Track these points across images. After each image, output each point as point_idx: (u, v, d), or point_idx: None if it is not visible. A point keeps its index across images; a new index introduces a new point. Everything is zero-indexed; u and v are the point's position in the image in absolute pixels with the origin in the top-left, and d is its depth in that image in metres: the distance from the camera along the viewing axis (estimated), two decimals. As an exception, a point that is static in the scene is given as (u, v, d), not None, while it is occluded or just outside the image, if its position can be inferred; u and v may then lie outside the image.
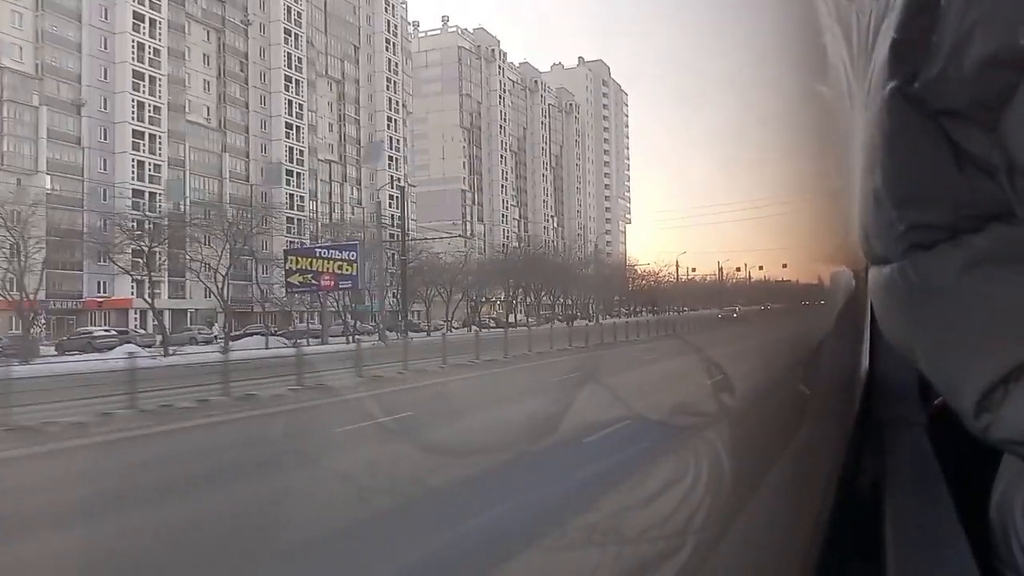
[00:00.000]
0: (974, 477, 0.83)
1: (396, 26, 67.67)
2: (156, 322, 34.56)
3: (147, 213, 35.21)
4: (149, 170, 45.73)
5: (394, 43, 66.85)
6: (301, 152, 55.88)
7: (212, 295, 37.41)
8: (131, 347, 25.71)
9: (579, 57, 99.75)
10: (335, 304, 40.23)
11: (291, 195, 54.23)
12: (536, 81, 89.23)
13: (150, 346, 27.36)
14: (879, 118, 0.59)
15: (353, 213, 56.94)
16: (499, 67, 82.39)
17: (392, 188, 56.95)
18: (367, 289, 40.84)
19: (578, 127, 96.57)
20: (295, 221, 52.98)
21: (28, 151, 41.71)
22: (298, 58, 56.69)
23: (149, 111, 46.52)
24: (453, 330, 42.00)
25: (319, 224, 52.85)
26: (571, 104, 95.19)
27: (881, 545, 0.99)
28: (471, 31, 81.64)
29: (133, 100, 45.64)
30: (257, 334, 35.04)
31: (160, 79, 47.36)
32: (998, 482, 0.78)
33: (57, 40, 43.54)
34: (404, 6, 69.19)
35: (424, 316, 47.93)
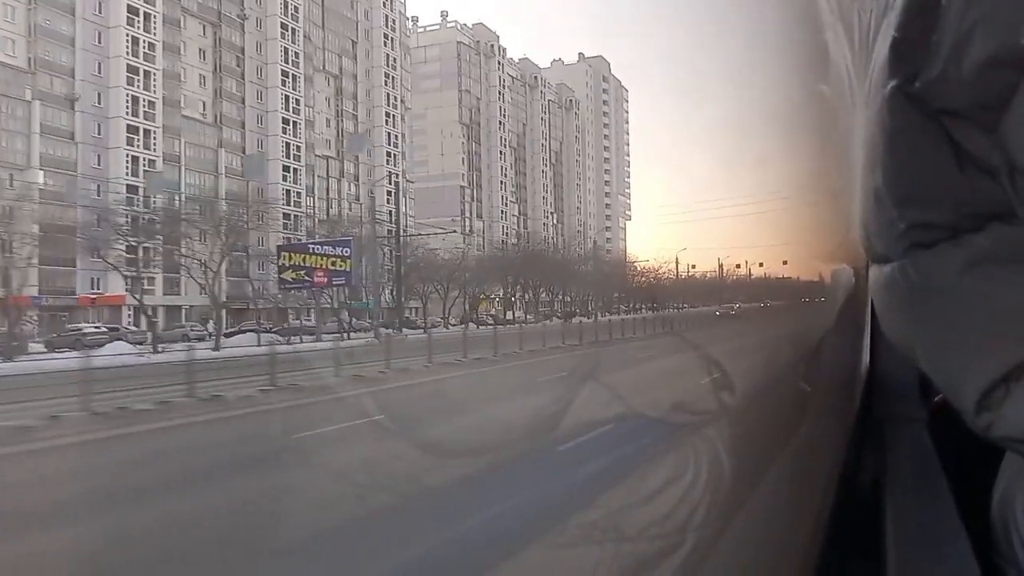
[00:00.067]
0: (974, 474, 0.84)
1: (394, 21, 67.55)
2: (150, 319, 34.44)
3: (134, 208, 34.92)
4: (144, 166, 45.64)
5: (392, 38, 66.73)
6: (298, 148, 55.80)
7: (206, 292, 37.36)
8: (121, 344, 25.68)
9: (579, 53, 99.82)
10: (331, 301, 40.22)
11: (288, 191, 54.18)
12: (536, 77, 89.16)
13: (141, 343, 27.26)
14: (880, 117, 0.59)
15: (351, 209, 56.86)
16: (498, 63, 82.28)
17: (389, 184, 56.94)
18: (362, 286, 40.77)
19: (578, 123, 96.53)
20: (291, 217, 52.95)
21: (21, 146, 41.62)
22: (295, 53, 56.58)
23: (144, 106, 46.41)
24: (450, 327, 41.99)
25: (316, 220, 52.76)
26: (571, 100, 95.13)
27: (882, 542, 1.00)
28: (470, 26, 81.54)
29: (127, 95, 45.52)
30: (250, 331, 34.95)
31: (155, 74, 47.24)
32: (999, 479, 0.79)
33: (50, 34, 43.41)
34: (403, 1, 69.10)
35: (421, 313, 47.94)
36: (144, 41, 46.74)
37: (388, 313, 42.45)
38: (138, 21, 46.46)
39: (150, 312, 35.84)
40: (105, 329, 33.40)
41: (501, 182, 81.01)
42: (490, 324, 40.25)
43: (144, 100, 46.50)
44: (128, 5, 45.84)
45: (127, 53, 45.64)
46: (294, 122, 55.90)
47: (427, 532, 2.83)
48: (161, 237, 37.77)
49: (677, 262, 59.51)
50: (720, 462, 1.36)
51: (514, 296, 55.23)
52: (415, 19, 78.90)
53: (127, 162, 44.64)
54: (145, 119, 46.36)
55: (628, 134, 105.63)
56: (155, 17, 47.64)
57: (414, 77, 72.27)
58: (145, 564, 3.55)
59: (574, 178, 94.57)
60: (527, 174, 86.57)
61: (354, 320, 40.48)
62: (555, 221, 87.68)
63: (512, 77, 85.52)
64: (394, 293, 42.89)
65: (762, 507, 1.09)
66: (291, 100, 55.97)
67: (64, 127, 43.66)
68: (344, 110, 62.13)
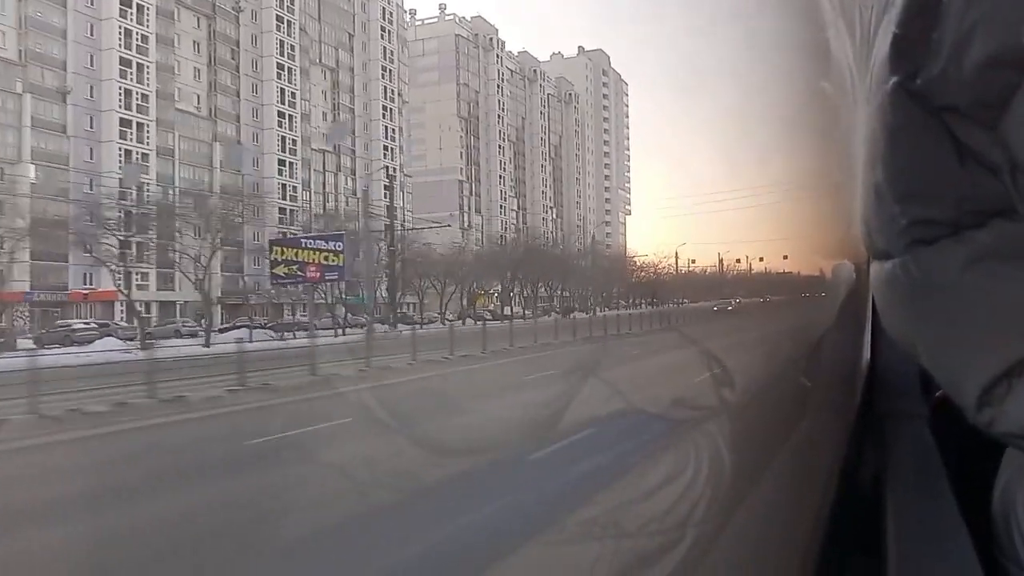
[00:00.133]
0: (975, 470, 0.85)
1: (392, 14, 67.31)
2: (141, 315, 34.32)
3: (127, 202, 34.69)
4: (137, 159, 45.51)
5: (390, 31, 66.51)
6: (294, 141, 55.65)
7: (202, 287, 37.20)
8: (111, 340, 25.62)
9: (579, 46, 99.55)
10: (325, 296, 40.10)
11: (283, 185, 54.05)
12: (535, 70, 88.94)
13: (131, 339, 27.15)
14: (881, 113, 0.60)
15: (348, 204, 56.78)
16: (497, 56, 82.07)
17: (384, 177, 56.79)
18: (356, 281, 40.66)
19: (577, 117, 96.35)
20: (287, 211, 52.84)
21: (11, 140, 41.45)
22: (291, 46, 56.36)
23: (137, 99, 46.23)
24: (447, 323, 41.95)
25: (312, 214, 52.64)
26: (570, 94, 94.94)
27: (882, 538, 1.00)
28: (469, 19, 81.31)
29: (120, 88, 45.31)
30: (243, 327, 34.84)
31: (148, 66, 47.03)
32: (1000, 475, 0.80)
33: (41, 26, 43.17)
34: (400, -7, 68.88)
35: (418, 308, 47.91)
36: (137, 33, 46.52)
37: (387, 308, 42.41)
38: (131, 13, 46.23)
39: (138, 308, 35.73)
40: (95, 325, 33.25)
41: (500, 176, 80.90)
42: (488, 319, 40.23)
43: (137, 93, 46.30)
44: (121, -3, 45.68)
45: (120, 46, 45.42)
46: (290, 116, 55.72)
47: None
48: (152, 232, 37.60)
49: (677, 257, 59.51)
50: (720, 458, 1.36)
51: (512, 291, 55.20)
52: (413, 12, 78.78)
53: (120, 156, 44.51)
54: (138, 112, 46.17)
55: (628, 128, 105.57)
56: (148, 9, 47.41)
57: (412, 70, 72.04)
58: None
59: (573, 172, 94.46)
60: (526, 168, 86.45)
61: (350, 316, 40.42)
62: (554, 216, 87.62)
63: (511, 70, 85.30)
64: (389, 289, 42.82)
65: (763, 503, 1.10)
66: (287, 93, 55.77)
67: (56, 120, 43.49)
68: (341, 103, 61.95)
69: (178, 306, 42.64)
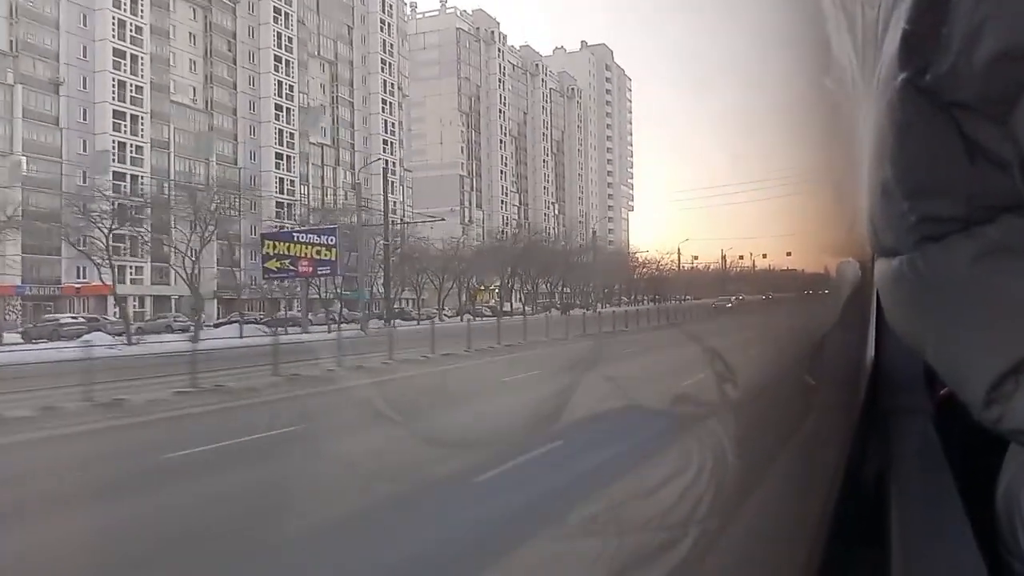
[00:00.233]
0: (980, 466, 0.86)
1: (392, 6, 67.29)
2: (135, 308, 34.28)
3: (105, 193, 34.46)
4: (131, 152, 45.52)
5: (389, 23, 66.50)
6: (291, 135, 55.67)
7: (203, 281, 37.20)
8: (99, 335, 25.61)
9: (582, 41, 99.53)
10: (319, 291, 40.03)
11: (281, 179, 54.09)
12: (537, 65, 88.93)
13: (120, 334, 27.09)
14: (890, 109, 0.60)
15: (347, 198, 56.84)
16: (499, 50, 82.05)
17: (381, 171, 56.82)
18: (348, 275, 40.61)
19: (580, 112, 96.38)
20: (284, 205, 52.87)
21: (3, 131, 41.44)
22: (288, 38, 56.34)
23: (131, 91, 46.23)
24: (445, 319, 41.97)
25: (309, 208, 52.64)
26: (573, 89, 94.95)
27: (886, 533, 1.01)
28: (470, 13, 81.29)
29: (114, 79, 45.30)
30: (235, 322, 34.81)
31: (143, 58, 47.02)
32: (1003, 472, 0.82)
33: (33, 16, 43.13)
34: (400, -15, 68.86)
35: (415, 304, 47.95)
36: (131, 24, 46.48)
37: (381, 304, 42.43)
38: (125, 4, 46.17)
39: (125, 302, 35.67)
40: (83, 320, 33.21)
41: (501, 171, 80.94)
42: (487, 316, 40.24)
43: (131, 85, 46.30)
44: (115, -13, 45.64)
45: (113, 36, 45.39)
46: (287, 109, 55.73)
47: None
48: (142, 225, 37.52)
49: (679, 253, 59.58)
50: (725, 454, 1.37)
51: (512, 287, 55.25)
52: (413, 5, 78.75)
53: (113, 148, 44.52)
54: (132, 104, 46.18)
55: (631, 124, 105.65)
56: (143, 0, 47.43)
57: (412, 64, 72.07)
58: None
59: (576, 168, 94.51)
60: (528, 163, 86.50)
61: (346, 311, 40.38)
62: (556, 211, 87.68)
63: (513, 65, 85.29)
64: (384, 284, 42.77)
65: (768, 499, 1.10)
66: (284, 86, 55.77)
67: (48, 112, 43.50)
68: (340, 97, 61.98)
69: (173, 301, 42.71)
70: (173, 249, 34.79)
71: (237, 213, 41.37)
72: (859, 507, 1.23)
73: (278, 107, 54.95)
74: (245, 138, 53.45)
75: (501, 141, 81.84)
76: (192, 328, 31.49)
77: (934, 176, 0.60)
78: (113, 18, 45.40)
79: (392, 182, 61.61)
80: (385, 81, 65.18)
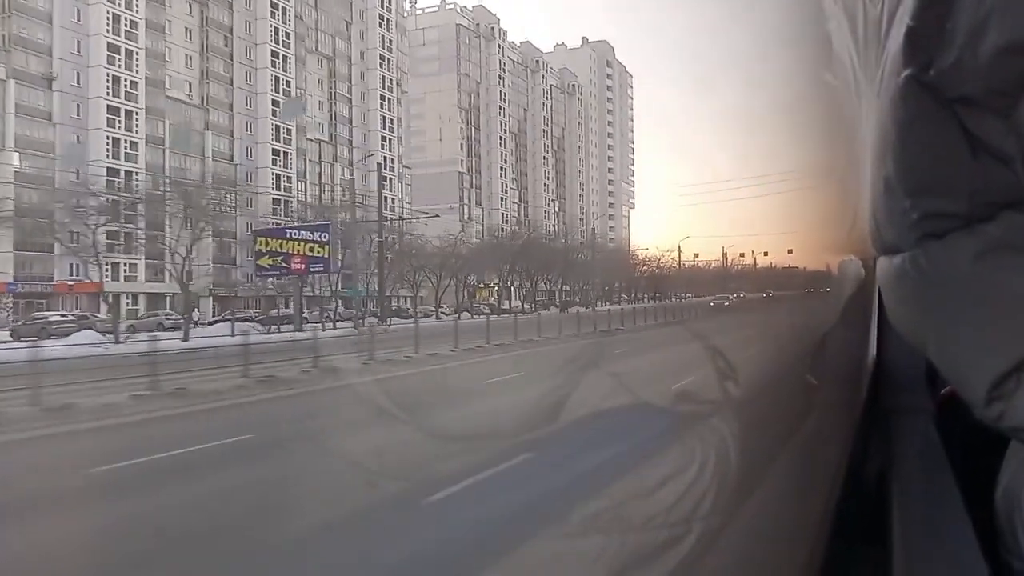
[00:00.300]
0: (981, 466, 0.87)
1: (391, 2, 67.24)
2: (129, 306, 34.19)
3: (92, 189, 34.22)
4: (125, 148, 45.47)
5: (388, 19, 66.45)
6: (289, 131, 55.63)
7: (198, 278, 37.12)
8: (89, 333, 25.55)
9: (582, 37, 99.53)
10: (312, 288, 39.91)
11: (277, 175, 54.06)
12: (537, 61, 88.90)
13: (110, 332, 26.97)
14: (893, 106, 0.61)
15: (345, 195, 56.83)
16: (499, 46, 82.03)
17: (378, 168, 56.78)
18: (345, 273, 40.55)
19: (581, 109, 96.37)
20: (281, 202, 52.82)
21: (-4, 126, 41.46)
22: (286, 33, 56.29)
23: (126, 86, 46.17)
24: (442, 317, 41.97)
25: (307, 205, 52.59)
26: (574, 85, 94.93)
27: (888, 532, 1.02)
28: (470, 9, 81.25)
29: (108, 74, 45.24)
30: (228, 320, 34.72)
31: (138, 53, 46.96)
32: (1003, 470, 0.83)
33: (26, 10, 43.04)
34: (399, -20, 68.82)
35: (412, 302, 47.97)
36: (126, 19, 46.42)
37: (377, 302, 42.40)
38: (120, -2, 46.19)
39: (115, 299, 35.56)
40: (72, 317, 33.08)
41: (501, 168, 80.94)
42: (486, 314, 40.22)
43: (126, 80, 46.24)
44: (109, -19, 45.56)
45: (108, 31, 45.34)
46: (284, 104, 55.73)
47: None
48: (132, 222, 37.35)
49: (680, 251, 59.61)
50: (727, 453, 1.38)
51: (512, 285, 55.26)
52: (413, 1, 78.69)
53: (107, 144, 44.47)
54: (127, 100, 46.11)
55: (632, 121, 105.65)
56: (138, -6, 47.37)
57: (412, 60, 72.02)
58: None
59: (576, 165, 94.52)
60: (528, 161, 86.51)
61: (343, 309, 40.30)
62: (556, 209, 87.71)
63: (513, 61, 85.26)
64: (378, 282, 42.67)
65: (770, 497, 1.10)
66: (282, 82, 55.73)
67: (41, 107, 43.45)
68: (338, 93, 61.94)
69: (168, 298, 42.68)
70: (166, 246, 34.64)
71: (232, 210, 41.26)
72: (860, 506, 1.24)
73: (275, 103, 54.89)
74: (241, 134, 53.42)
75: (501, 138, 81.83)
76: (195, 325, 31.41)
77: (936, 173, 0.60)
78: (107, 12, 45.33)
79: (391, 179, 61.69)
80: (384, 77, 65.15)
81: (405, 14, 72.44)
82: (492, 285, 55.22)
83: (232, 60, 53.79)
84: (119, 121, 45.40)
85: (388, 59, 65.86)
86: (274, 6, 55.56)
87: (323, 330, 29.45)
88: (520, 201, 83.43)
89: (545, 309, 47.37)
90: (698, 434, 1.48)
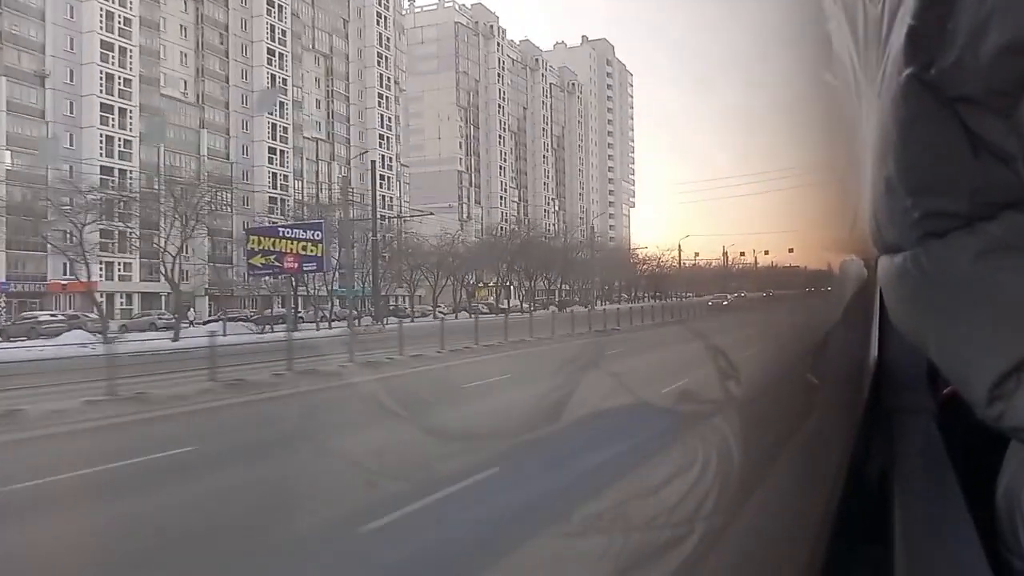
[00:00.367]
0: (982, 465, 0.87)
1: (388, 0, 67.27)
2: (123, 306, 34.11)
3: (79, 188, 34.08)
4: (119, 146, 45.42)
5: (386, 17, 66.44)
6: (285, 129, 55.61)
7: (193, 277, 37.05)
8: (79, 333, 25.51)
9: (582, 36, 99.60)
10: (307, 287, 39.84)
11: (274, 174, 54.03)
12: (537, 59, 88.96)
13: (101, 332, 26.92)
14: (894, 105, 0.61)
15: (342, 194, 56.83)
16: (498, 44, 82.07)
17: (374, 166, 56.78)
18: (336, 271, 40.45)
19: (581, 107, 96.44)
20: (277, 200, 52.79)
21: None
22: (282, 30, 56.27)
23: (119, 84, 46.11)
24: (440, 316, 41.94)
25: (304, 204, 52.56)
26: (573, 84, 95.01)
27: (889, 531, 1.02)
28: (469, 6, 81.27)
29: (102, 72, 45.18)
30: (220, 320, 34.67)
31: (131, 50, 46.90)
32: (1004, 470, 0.83)
33: (17, 6, 42.96)
34: (397, -22, 68.81)
35: (409, 301, 47.96)
36: (120, 16, 46.36)
37: (372, 301, 42.35)
38: (113, -6, 46.14)
39: (108, 299, 35.40)
40: (62, 317, 32.99)
41: (500, 167, 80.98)
42: (484, 313, 40.17)
43: (120, 78, 46.19)
44: (102, -23, 45.51)
45: (101, 28, 45.28)
46: (281, 103, 55.68)
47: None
48: (123, 221, 37.25)
49: (680, 249, 59.69)
50: (729, 453, 1.38)
51: (510, 284, 55.26)
52: (411, -2, 78.73)
53: (101, 142, 44.41)
54: (121, 98, 46.07)
55: (632, 119, 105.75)
56: (132, -9, 47.32)
57: (410, 58, 72.04)
58: None
59: (576, 164, 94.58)
60: (528, 159, 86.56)
61: (339, 308, 40.24)
62: (556, 207, 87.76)
63: (512, 59, 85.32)
64: (372, 281, 42.58)
65: (772, 497, 1.11)
66: (278, 80, 55.71)
67: (33, 105, 43.39)
68: (335, 91, 61.93)
69: (163, 298, 42.62)
70: (159, 245, 34.54)
71: (228, 208, 41.18)
72: (862, 505, 1.25)
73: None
74: (237, 132, 53.39)
75: (500, 136, 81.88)
76: (184, 325, 31.35)
77: (937, 172, 0.61)
78: (101, 9, 45.27)
79: (389, 178, 61.69)
80: (382, 75, 65.14)
81: (403, 12, 72.45)
82: (491, 284, 55.20)
83: (228, 58, 53.76)
84: (113, 119, 45.35)
85: (386, 57, 65.85)
86: (270, 3, 55.57)
87: (317, 330, 29.38)
88: (519, 200, 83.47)
89: (544, 308, 47.38)
90: (699, 434, 1.49)
